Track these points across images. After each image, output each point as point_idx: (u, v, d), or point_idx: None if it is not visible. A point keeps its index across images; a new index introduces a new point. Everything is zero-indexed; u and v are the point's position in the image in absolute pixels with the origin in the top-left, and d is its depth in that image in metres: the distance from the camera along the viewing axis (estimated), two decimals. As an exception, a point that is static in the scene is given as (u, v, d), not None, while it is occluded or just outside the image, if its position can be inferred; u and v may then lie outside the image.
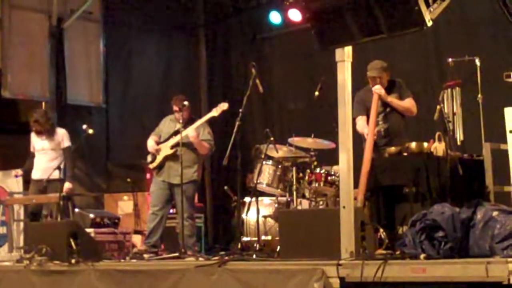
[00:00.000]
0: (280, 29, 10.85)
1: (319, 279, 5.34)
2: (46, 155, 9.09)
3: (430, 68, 9.62)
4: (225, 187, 9.29)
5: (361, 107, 7.43)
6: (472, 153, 7.17)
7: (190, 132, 8.08)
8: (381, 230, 6.41)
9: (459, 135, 7.33)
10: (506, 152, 6.23)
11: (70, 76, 11.04)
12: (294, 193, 8.03)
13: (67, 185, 8.85)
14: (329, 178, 8.05)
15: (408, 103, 7.45)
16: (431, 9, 5.19)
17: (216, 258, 6.71)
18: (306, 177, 8.09)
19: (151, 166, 8.42)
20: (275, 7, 10.17)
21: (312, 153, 8.28)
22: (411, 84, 7.95)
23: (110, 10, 11.60)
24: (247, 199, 8.26)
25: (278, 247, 6.64)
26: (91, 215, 8.76)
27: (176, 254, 7.52)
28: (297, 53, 11.13)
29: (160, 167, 8.32)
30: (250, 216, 8.30)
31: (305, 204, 8.26)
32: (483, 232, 5.20)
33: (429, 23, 5.16)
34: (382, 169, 6.88)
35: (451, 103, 7.35)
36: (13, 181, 9.92)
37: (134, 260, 7.56)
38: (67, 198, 8.72)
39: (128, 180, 10.22)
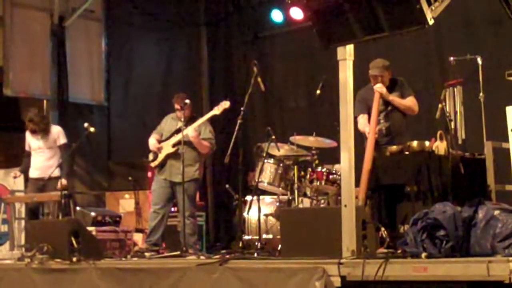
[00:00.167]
0: (282, 28, 10.86)
1: (320, 277, 5.35)
2: (43, 153, 9.10)
3: (431, 67, 9.62)
4: (227, 186, 9.31)
5: (362, 105, 7.42)
6: (473, 152, 7.16)
7: (190, 132, 8.07)
8: (383, 229, 6.42)
9: (461, 134, 7.33)
10: (507, 151, 6.22)
11: (71, 74, 11.04)
12: (296, 191, 8.03)
13: (63, 182, 8.87)
14: (330, 176, 8.05)
15: (410, 102, 7.44)
16: (433, 8, 5.19)
17: (217, 256, 6.72)
18: (308, 176, 8.08)
19: (152, 164, 8.41)
20: (277, 6, 10.17)
21: (314, 152, 8.27)
22: (413, 82, 7.94)
23: (111, 8, 11.60)
24: (248, 198, 8.25)
25: (279, 246, 6.64)
26: (93, 213, 8.75)
27: (178, 253, 7.50)
28: (298, 52, 11.14)
29: (161, 165, 8.32)
30: (251, 215, 8.30)
31: (306, 203, 8.26)
32: (485, 231, 5.20)
33: (431, 22, 5.16)
34: (383, 167, 6.87)
35: (452, 102, 7.35)
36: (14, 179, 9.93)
37: (135, 259, 7.55)
38: (69, 196, 8.73)
39: (130, 178, 10.21)
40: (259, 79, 7.84)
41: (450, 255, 5.17)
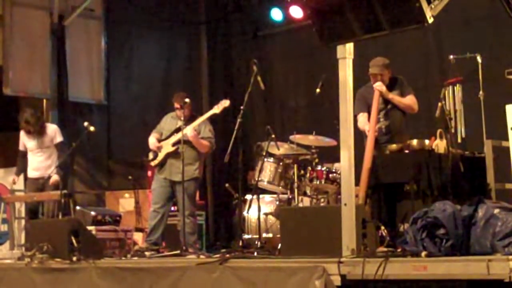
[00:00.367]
0: (282, 26, 10.86)
1: (320, 276, 5.34)
2: (40, 154, 9.09)
3: (431, 65, 9.62)
4: (226, 185, 9.29)
5: (362, 104, 7.42)
6: (473, 151, 7.16)
7: (189, 132, 8.06)
8: (382, 227, 6.42)
9: (461, 133, 7.32)
10: (507, 149, 6.22)
11: (71, 73, 11.03)
12: (295, 190, 8.02)
13: (55, 177, 8.87)
14: (330, 175, 8.05)
15: (410, 100, 7.44)
16: (432, 6, 5.18)
17: (217, 255, 6.72)
18: (307, 175, 8.08)
19: (152, 163, 8.41)
20: (277, 4, 10.17)
21: (313, 151, 8.27)
22: (413, 81, 7.94)
23: (111, 7, 11.58)
24: (248, 197, 8.26)
25: (279, 245, 6.64)
26: (92, 213, 8.74)
27: (177, 252, 7.51)
28: (298, 50, 11.12)
29: (161, 164, 8.31)
30: (251, 214, 8.30)
31: (306, 202, 8.25)
32: (485, 230, 5.19)
33: (430, 20, 5.15)
34: (383, 166, 6.87)
35: (452, 100, 7.33)
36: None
37: (135, 258, 7.55)
38: (68, 195, 8.72)
39: (130, 177, 10.20)
40: (259, 78, 7.84)
41: (450, 253, 5.17)
